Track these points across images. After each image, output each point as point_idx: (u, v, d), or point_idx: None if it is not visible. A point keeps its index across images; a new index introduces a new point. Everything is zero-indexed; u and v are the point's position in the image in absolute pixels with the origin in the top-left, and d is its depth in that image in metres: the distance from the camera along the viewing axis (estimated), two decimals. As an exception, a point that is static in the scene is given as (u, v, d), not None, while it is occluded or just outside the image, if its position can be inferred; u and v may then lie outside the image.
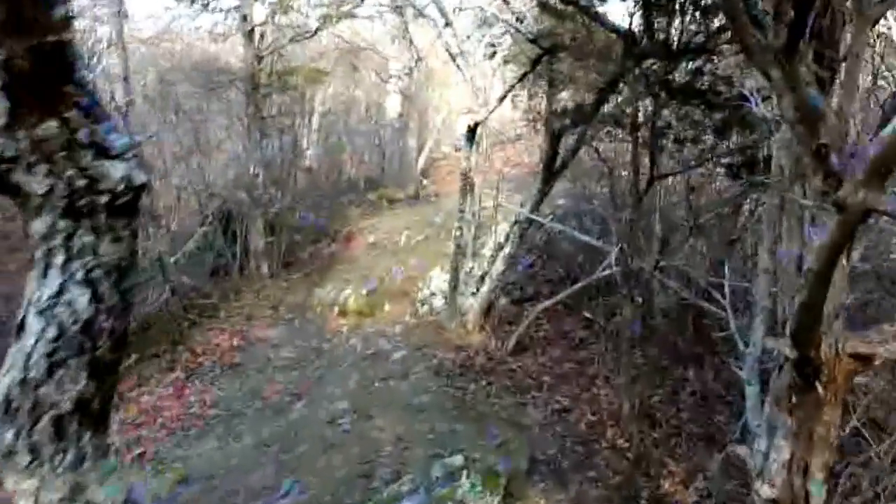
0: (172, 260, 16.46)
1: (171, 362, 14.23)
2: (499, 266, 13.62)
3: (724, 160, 11.13)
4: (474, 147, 13.41)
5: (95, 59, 15.81)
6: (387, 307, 16.13)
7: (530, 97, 26.97)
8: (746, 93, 6.77)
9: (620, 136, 12.62)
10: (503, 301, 14.92)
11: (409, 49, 25.63)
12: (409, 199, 25.45)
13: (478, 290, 14.14)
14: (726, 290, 7.78)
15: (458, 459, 9.40)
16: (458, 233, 14.01)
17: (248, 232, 18.91)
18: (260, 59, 18.45)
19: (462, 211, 13.84)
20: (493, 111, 13.12)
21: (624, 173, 13.63)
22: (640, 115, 10.91)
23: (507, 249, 13.47)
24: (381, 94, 29.54)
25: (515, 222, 13.35)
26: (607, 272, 12.22)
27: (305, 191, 25.28)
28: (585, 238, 12.96)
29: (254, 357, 14.59)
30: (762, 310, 6.35)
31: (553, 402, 11.85)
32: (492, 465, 9.40)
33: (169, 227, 17.25)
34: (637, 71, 10.30)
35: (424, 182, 27.36)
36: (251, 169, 18.79)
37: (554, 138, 11.92)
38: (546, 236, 16.54)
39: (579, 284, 13.22)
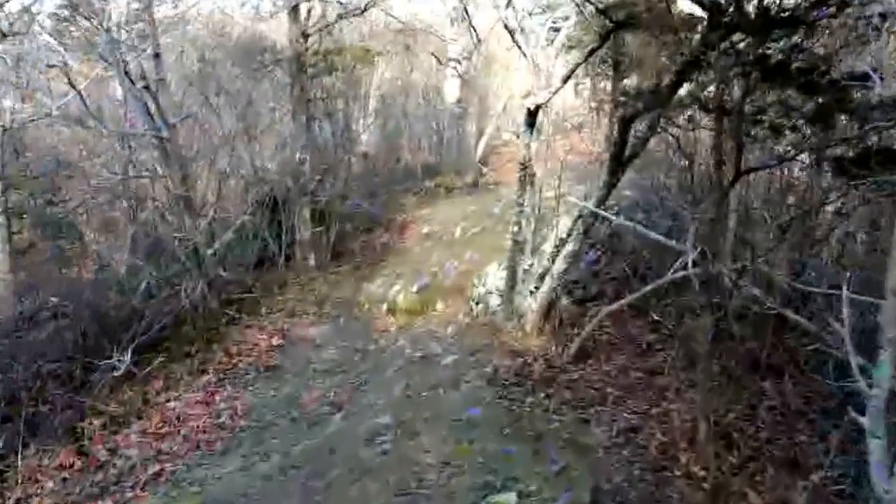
0: (210, 251, 15.56)
1: (203, 363, 13.38)
2: (560, 264, 12.40)
3: (830, 152, 9.65)
4: (535, 133, 12.16)
5: (122, 34, 14.84)
6: (439, 305, 15.09)
7: (594, 79, 25.86)
8: (868, 69, 5.46)
9: (700, 122, 11.26)
10: (564, 301, 13.72)
11: (468, 31, 24.57)
12: (468, 188, 24.52)
13: (537, 288, 12.94)
14: (845, 311, 6.40)
15: (511, 498, 8.22)
16: (515, 227, 12.82)
17: (295, 221, 17.99)
18: (306, 37, 17.39)
19: (520, 204, 12.63)
20: (555, 93, 11.80)
21: (687, 163, 12.40)
22: (727, 98, 9.53)
23: (569, 246, 12.22)
24: (440, 78, 28.44)
25: (579, 216, 12.10)
26: (680, 274, 10.93)
27: (360, 177, 24.51)
28: (657, 237, 11.61)
29: (294, 359, 13.70)
30: (890, 342, 5.06)
31: (619, 419, 10.57)
32: (549, 501, 8.24)
33: (207, 215, 16.29)
34: (723, 47, 8.94)
35: (484, 170, 26.40)
36: (297, 154, 17.82)
37: (623, 125, 10.58)
38: (611, 229, 15.27)
39: (650, 286, 11.90)
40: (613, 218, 12.79)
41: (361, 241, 20.35)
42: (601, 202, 11.58)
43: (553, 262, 12.70)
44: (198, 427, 11.13)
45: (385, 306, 15.60)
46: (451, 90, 26.83)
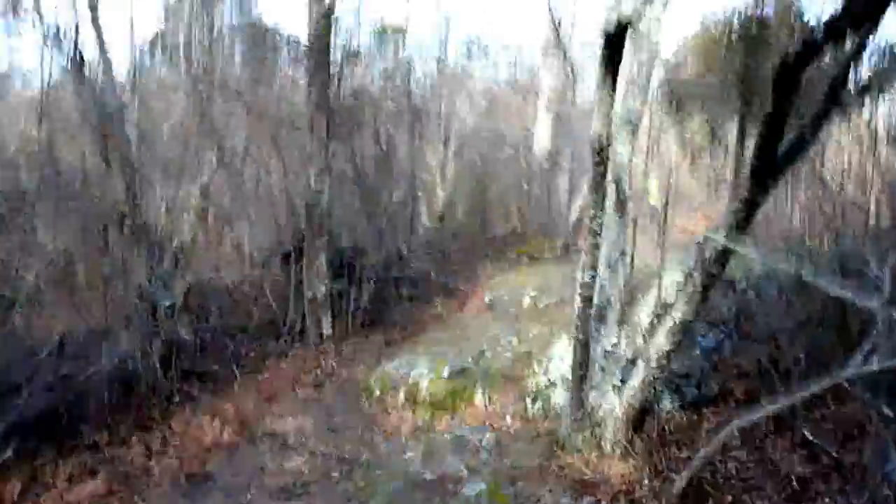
0: (167, 303, 11.12)
1: (103, 461, 8.88)
2: (662, 341, 7.53)
3: None
4: (614, 88, 6.84)
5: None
6: (478, 398, 10.42)
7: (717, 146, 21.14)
8: None
9: None
10: (667, 404, 8.91)
11: (563, 65, 20.44)
12: (557, 256, 20.03)
13: (624, 382, 8.12)
14: None
15: None
16: (586, 274, 7.72)
17: (304, 273, 13.57)
18: (328, 18, 12.92)
19: (595, 231, 7.48)
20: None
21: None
22: None
23: (677, 313, 7.35)
24: (528, 122, 24.15)
25: (696, 265, 7.20)
26: (861, 371, 6.05)
27: (429, 236, 21.40)
28: (842, 292, 6.37)
29: (241, 465, 9.13)
30: None
31: None
32: None
33: (167, 249, 11.92)
34: None
35: (578, 235, 21.87)
36: (311, 180, 13.34)
37: (784, 76, 5.49)
38: (742, 296, 10.41)
39: (805, 392, 6.81)
40: (753, 253, 7.41)
41: (412, 309, 15.91)
42: (735, 232, 6.63)
43: (651, 338, 7.85)
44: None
45: (402, 394, 10.84)
46: (543, 137, 22.38)
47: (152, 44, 19.57)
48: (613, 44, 5.92)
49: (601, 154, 6.68)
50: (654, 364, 7.70)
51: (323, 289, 13.54)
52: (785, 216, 12.26)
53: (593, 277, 7.62)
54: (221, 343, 12.62)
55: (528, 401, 9.89)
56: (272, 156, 14.87)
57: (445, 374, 10.81)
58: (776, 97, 5.54)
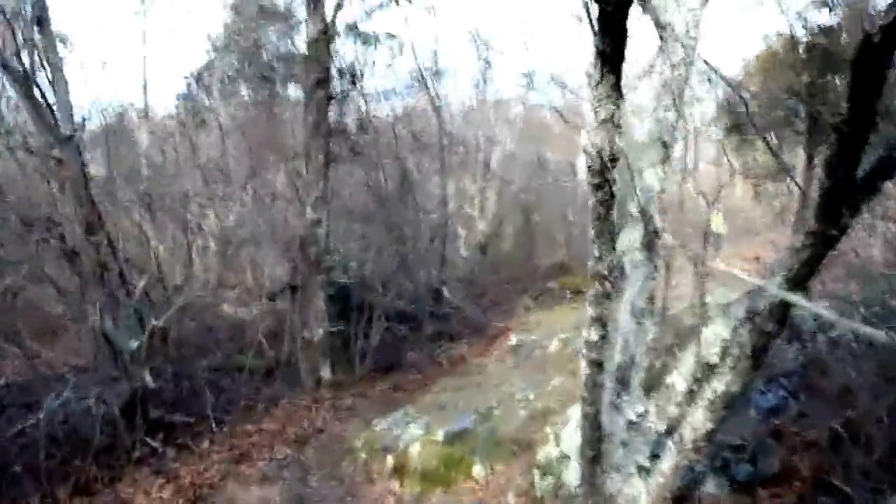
0: (135, 344, 9.57)
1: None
2: (699, 418, 5.74)
3: None
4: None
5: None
6: (477, 469, 8.57)
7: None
8: None
9: None
10: (711, 485, 7.05)
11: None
12: (601, 290, 18.38)
13: (655, 458, 6.31)
14: None
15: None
16: (593, 332, 5.80)
17: (295, 315, 11.95)
18: (328, 36, 11.38)
19: (602, 275, 5.59)
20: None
21: None
22: None
23: (720, 383, 5.60)
24: (575, 146, 22.54)
25: (748, 317, 5.41)
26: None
27: (473, 270, 20.50)
28: None
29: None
30: None
31: None
32: None
33: (135, 285, 10.35)
34: None
35: (625, 268, 20.17)
36: (308, 211, 11.77)
37: (866, 70, 3.66)
38: (810, 343, 8.84)
39: None
40: (825, 312, 5.47)
41: (432, 351, 14.27)
42: (798, 280, 4.80)
43: (688, 407, 6.00)
44: None
45: (390, 461, 9.08)
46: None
47: (198, 75, 18.67)
48: (610, 18, 4.01)
49: (602, 174, 4.83)
50: (689, 446, 5.89)
51: (321, 331, 11.91)
52: (859, 246, 10.30)
53: (603, 337, 5.76)
54: (205, 388, 11.07)
55: (537, 474, 8.04)
56: (275, 187, 13.47)
57: (441, 437, 9.03)
58: (855, 95, 3.72)
